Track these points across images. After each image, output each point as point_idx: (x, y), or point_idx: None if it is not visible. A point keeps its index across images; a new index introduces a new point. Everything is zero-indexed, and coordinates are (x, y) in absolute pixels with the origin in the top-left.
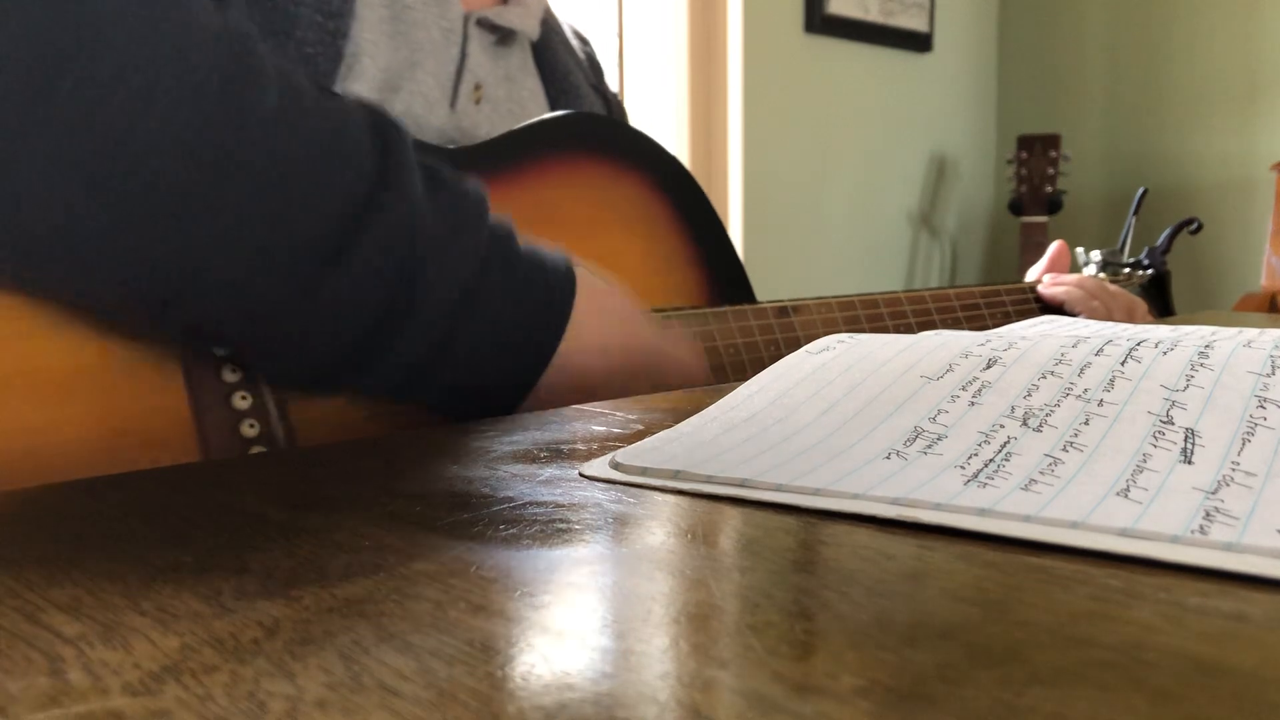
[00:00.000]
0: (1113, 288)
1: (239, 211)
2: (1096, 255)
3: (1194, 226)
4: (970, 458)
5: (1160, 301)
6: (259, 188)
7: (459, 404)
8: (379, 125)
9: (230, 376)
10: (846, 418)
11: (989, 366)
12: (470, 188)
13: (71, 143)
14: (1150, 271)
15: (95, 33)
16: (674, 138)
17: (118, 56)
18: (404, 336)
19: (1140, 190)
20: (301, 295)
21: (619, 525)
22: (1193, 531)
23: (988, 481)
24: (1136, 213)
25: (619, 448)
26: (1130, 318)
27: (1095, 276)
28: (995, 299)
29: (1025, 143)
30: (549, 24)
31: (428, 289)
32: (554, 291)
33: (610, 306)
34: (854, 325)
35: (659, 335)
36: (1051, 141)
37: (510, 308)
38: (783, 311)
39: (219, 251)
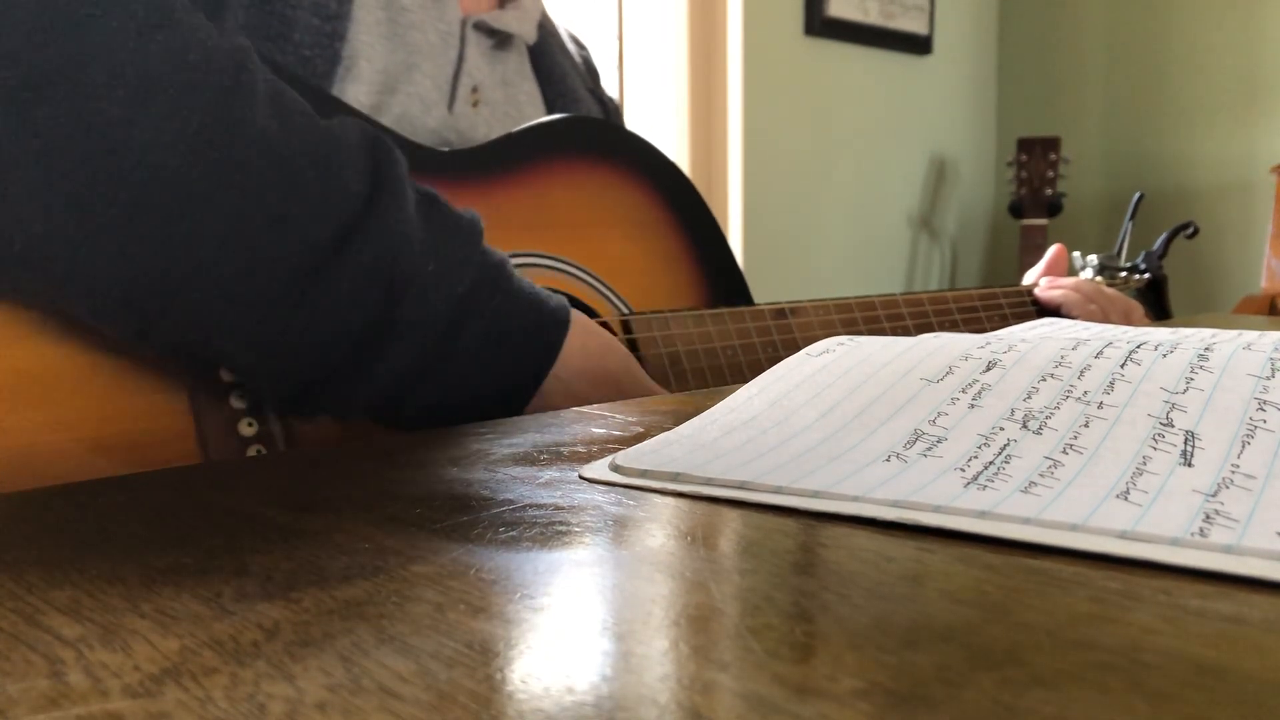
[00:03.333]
0: (1109, 291)
1: (224, 227)
2: (1093, 259)
3: (1189, 231)
4: (970, 460)
5: (1157, 306)
6: (245, 205)
7: (432, 421)
8: (373, 146)
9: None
10: (846, 420)
11: (989, 369)
12: (465, 215)
13: (57, 154)
14: (1147, 276)
15: (85, 46)
16: (674, 140)
17: (108, 70)
18: (388, 357)
19: (1136, 195)
20: (283, 313)
21: (619, 527)
22: (1192, 534)
23: (987, 484)
24: (1133, 217)
25: (619, 450)
26: (1127, 321)
27: (1092, 280)
28: (992, 302)
29: (1025, 145)
30: (546, 28)
31: (413, 310)
32: (546, 326)
33: (604, 349)
34: (851, 328)
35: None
36: (1051, 144)
37: (498, 337)
38: (780, 314)
39: (202, 266)
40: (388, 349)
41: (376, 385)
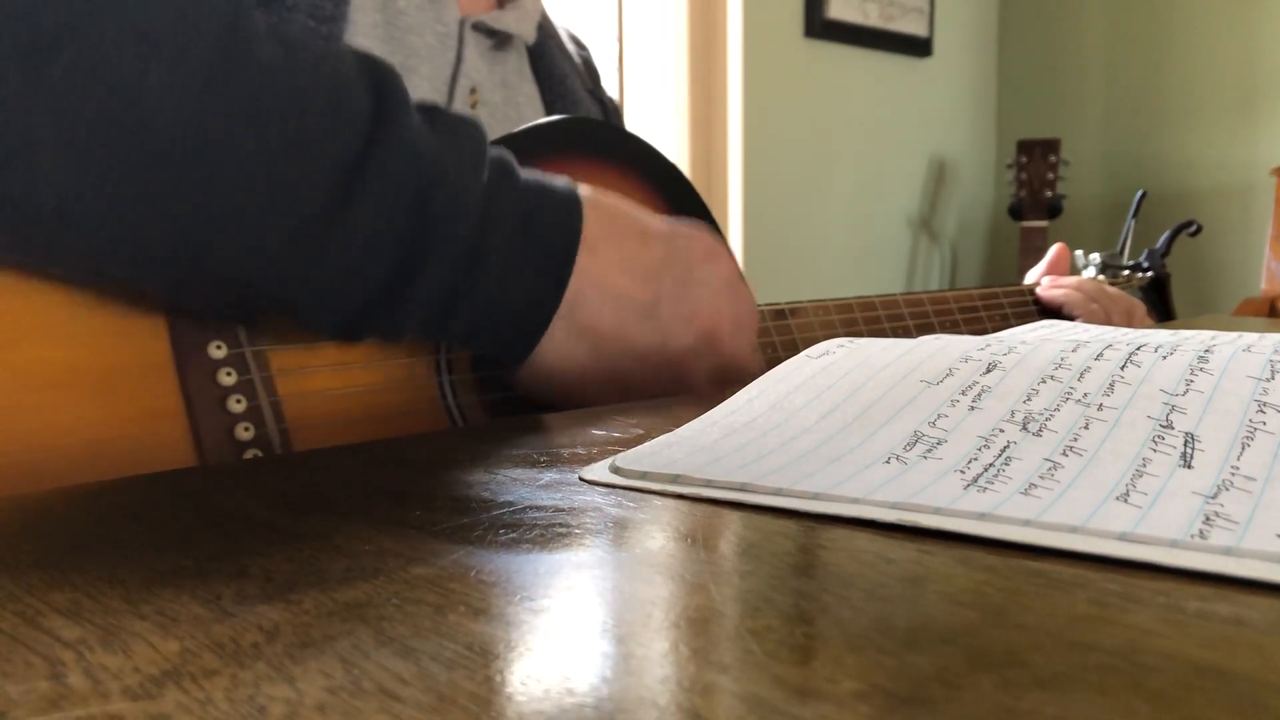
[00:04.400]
0: (1112, 290)
1: (247, 166)
2: (1096, 258)
3: (1193, 229)
4: (970, 462)
5: (1160, 304)
6: (264, 136)
7: (487, 335)
8: (371, 64)
9: (226, 379)
10: (846, 422)
11: (989, 371)
12: (465, 115)
13: (77, 111)
14: (1150, 274)
15: (90, 4)
16: (674, 142)
17: (115, 23)
18: (430, 261)
19: (1139, 193)
20: (319, 237)
21: (619, 529)
22: (1192, 536)
23: (987, 486)
24: (1135, 215)
25: (619, 452)
26: (1129, 320)
27: (1094, 279)
28: (993, 301)
29: (1025, 147)
30: (545, 29)
31: (444, 208)
32: (562, 203)
33: (621, 213)
34: (851, 328)
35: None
36: (1051, 146)
37: (523, 222)
38: (780, 314)
39: (231, 209)
40: (428, 253)
41: (421, 298)
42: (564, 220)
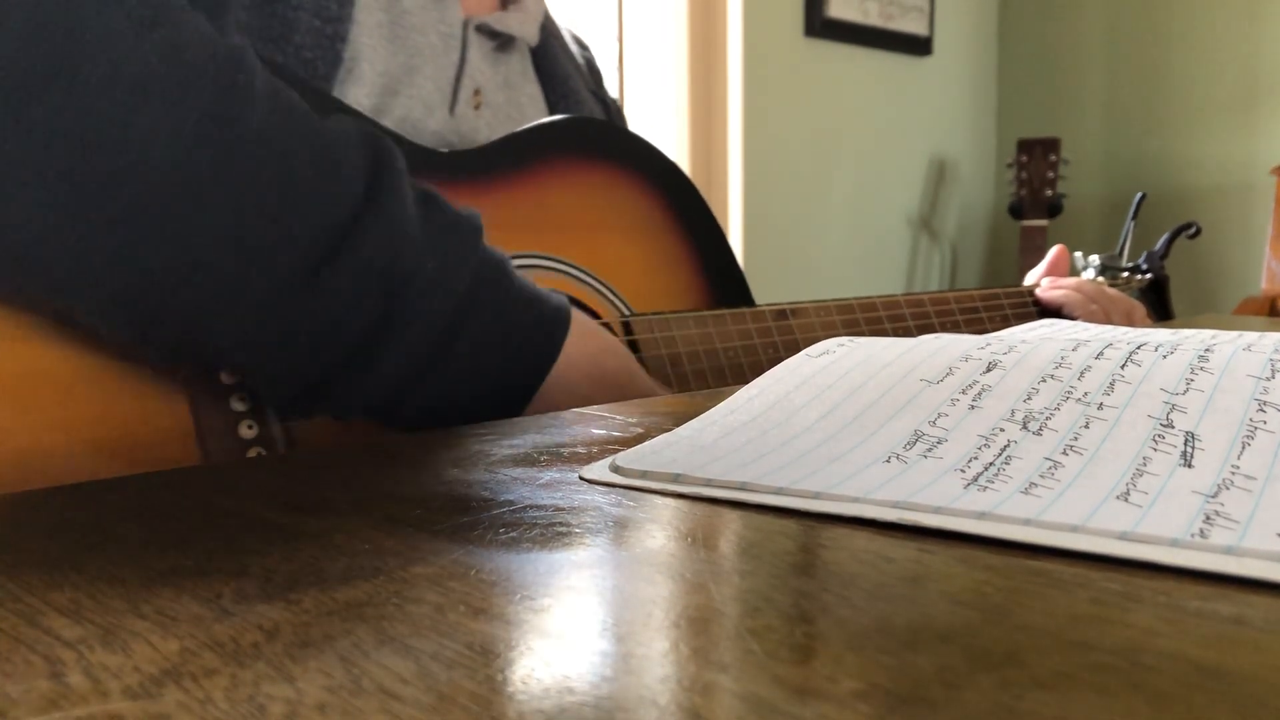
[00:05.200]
0: (1111, 291)
1: (222, 225)
2: (1095, 260)
3: (1192, 231)
4: (970, 461)
5: (1159, 305)
6: (244, 202)
7: (434, 422)
8: (371, 144)
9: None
10: (846, 421)
11: (989, 370)
12: (464, 213)
13: (55, 153)
14: (1149, 276)
15: (82, 45)
16: (674, 141)
17: (104, 68)
18: (388, 355)
19: (1138, 195)
20: (283, 311)
21: (619, 528)
22: (1193, 535)
23: (988, 485)
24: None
25: (619, 451)
26: (1129, 321)
27: (1094, 280)
28: (994, 302)
29: (1025, 146)
30: (548, 29)
31: (413, 308)
32: (546, 325)
33: (605, 350)
34: (852, 329)
35: (651, 386)
36: (1051, 145)
37: (499, 336)
38: (781, 315)
39: (200, 264)
40: (387, 347)
41: (377, 384)
42: (544, 344)
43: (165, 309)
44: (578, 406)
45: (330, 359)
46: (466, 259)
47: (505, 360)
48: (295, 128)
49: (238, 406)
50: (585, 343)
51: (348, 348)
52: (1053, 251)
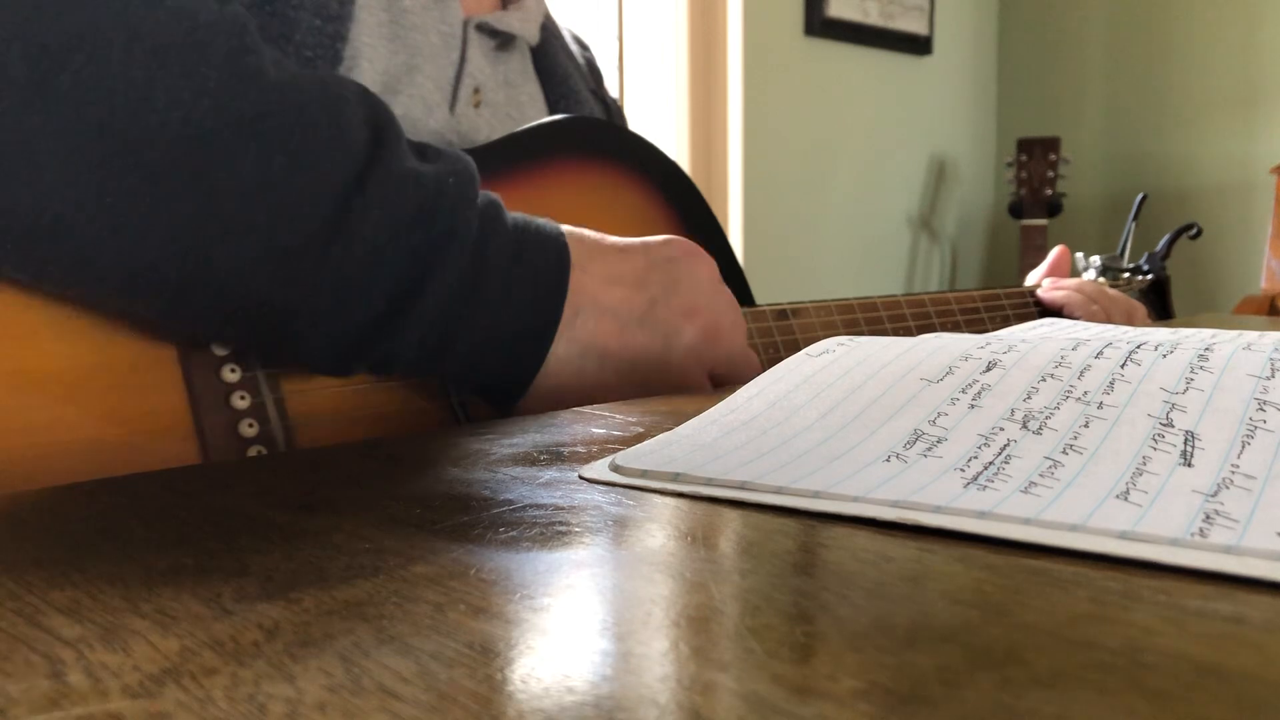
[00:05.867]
0: (1112, 292)
1: (248, 182)
2: (1096, 260)
3: (1193, 232)
4: (970, 460)
5: (1160, 306)
6: (268, 152)
7: (489, 363)
8: (365, 95)
9: (230, 376)
10: (846, 420)
11: (989, 369)
12: (459, 153)
13: (81, 122)
14: (1150, 277)
15: (99, 13)
16: (674, 141)
17: (124, 35)
18: (430, 282)
19: (1140, 196)
20: (320, 255)
21: (619, 528)
22: (1192, 534)
23: (987, 484)
24: (1136, 218)
25: (618, 450)
26: (1130, 322)
27: (1095, 281)
28: (995, 303)
29: (1025, 145)
30: (549, 29)
31: (445, 223)
32: (547, 234)
33: (595, 235)
34: (853, 329)
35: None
36: (1051, 144)
37: (516, 251)
38: (782, 315)
39: (230, 224)
40: (429, 275)
41: (424, 319)
42: (551, 246)
43: (194, 273)
44: (615, 291)
45: (369, 303)
46: (473, 184)
47: (530, 272)
48: (302, 81)
49: (239, 404)
50: (581, 236)
51: (386, 289)
52: (1054, 252)
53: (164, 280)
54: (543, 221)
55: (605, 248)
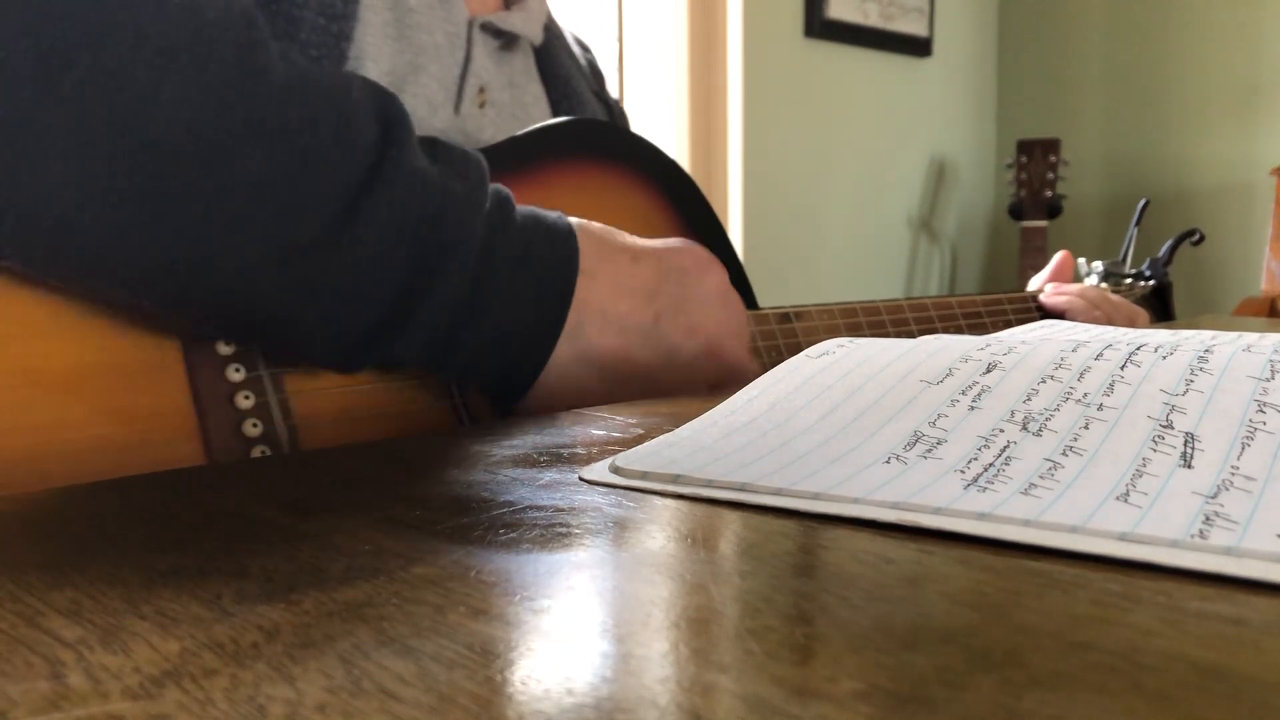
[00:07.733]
0: (1115, 298)
1: (255, 182)
2: (1098, 266)
3: (1195, 238)
4: (970, 462)
5: (1162, 312)
6: (275, 151)
7: (491, 364)
8: (376, 92)
9: (234, 376)
10: (846, 422)
11: (989, 371)
12: (469, 151)
13: (88, 121)
14: (1152, 283)
15: (105, 12)
16: (674, 142)
17: (131, 34)
18: (435, 288)
19: (1142, 201)
20: (326, 255)
21: (619, 529)
22: (1192, 536)
23: (987, 486)
24: (1139, 224)
25: (619, 451)
26: (1132, 327)
27: (1097, 287)
28: (997, 307)
29: (1025, 147)
30: (551, 30)
31: (452, 230)
32: (557, 232)
33: (610, 237)
34: (855, 332)
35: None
36: (1051, 146)
37: (523, 251)
38: (784, 317)
39: (236, 224)
40: (434, 278)
41: (428, 321)
42: (561, 249)
43: (200, 271)
44: (623, 303)
45: (374, 305)
46: (482, 181)
47: (536, 271)
48: (310, 82)
49: (242, 404)
50: (590, 231)
51: (391, 291)
52: (1057, 257)
53: (170, 277)
54: (555, 218)
55: (618, 250)
